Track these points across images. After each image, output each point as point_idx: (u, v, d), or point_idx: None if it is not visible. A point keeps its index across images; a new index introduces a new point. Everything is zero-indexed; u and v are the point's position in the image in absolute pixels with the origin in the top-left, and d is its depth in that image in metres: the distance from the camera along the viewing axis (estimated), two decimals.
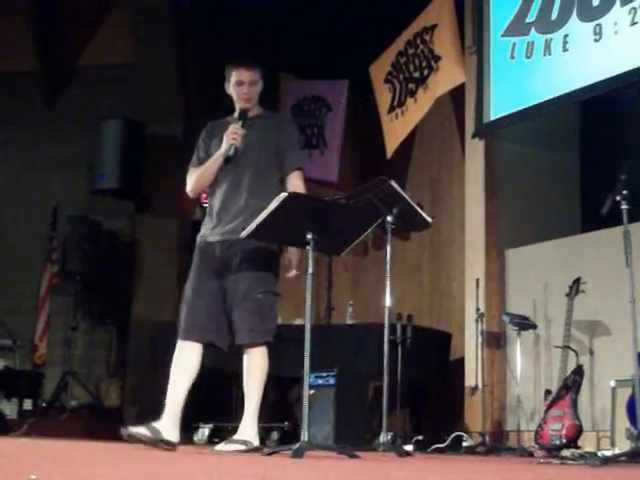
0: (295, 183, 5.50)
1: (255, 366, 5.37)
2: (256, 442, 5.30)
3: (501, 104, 8.04)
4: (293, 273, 5.46)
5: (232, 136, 5.39)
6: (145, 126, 10.38)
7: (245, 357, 5.38)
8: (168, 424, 5.30)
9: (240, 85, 5.54)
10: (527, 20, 7.78)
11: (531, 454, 6.39)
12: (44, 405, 9.57)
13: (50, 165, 11.16)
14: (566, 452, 6.02)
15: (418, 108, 8.84)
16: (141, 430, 5.20)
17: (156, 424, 5.28)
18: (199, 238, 5.59)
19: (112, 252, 10.54)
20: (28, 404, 9.68)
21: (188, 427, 8.14)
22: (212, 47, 10.22)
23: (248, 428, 5.31)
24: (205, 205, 5.90)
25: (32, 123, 11.36)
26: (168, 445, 5.14)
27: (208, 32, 10.48)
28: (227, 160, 5.45)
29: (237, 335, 5.33)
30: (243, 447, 5.16)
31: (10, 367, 9.89)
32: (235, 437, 5.29)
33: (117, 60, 11.02)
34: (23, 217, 11.17)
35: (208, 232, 5.53)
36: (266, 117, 5.66)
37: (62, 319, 10.39)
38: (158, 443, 5.13)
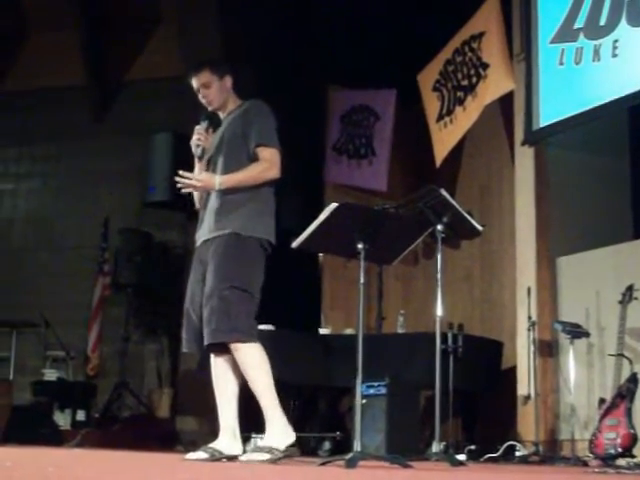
0: (255, 162, 5.33)
1: (243, 367, 5.14)
2: (285, 442, 5.04)
3: (550, 111, 7.99)
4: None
5: (194, 139, 5.45)
6: None
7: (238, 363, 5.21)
8: (225, 439, 5.28)
9: (198, 93, 5.55)
10: (575, 26, 7.72)
11: (585, 463, 6.33)
12: (97, 416, 9.65)
13: (101, 178, 11.29)
14: (621, 461, 5.96)
15: (467, 116, 8.81)
16: (200, 455, 5.19)
17: (213, 444, 5.27)
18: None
19: (163, 263, 10.62)
20: (81, 415, 9.77)
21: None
22: (260, 58, 10.26)
23: (271, 431, 5.09)
24: None
25: (82, 137, 11.49)
26: (232, 459, 5.12)
27: (256, 44, 10.53)
28: (200, 160, 5.51)
29: (205, 336, 5.16)
30: (268, 456, 4.92)
31: (63, 378, 10.00)
32: (260, 444, 5.16)
33: (166, 73, 11.11)
34: (75, 230, 11.29)
35: (197, 237, 5.49)
36: (237, 108, 5.56)
37: (114, 330, 10.47)
38: (222, 460, 5.12)
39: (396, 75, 9.88)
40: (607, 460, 6.09)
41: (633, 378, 6.37)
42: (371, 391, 7.00)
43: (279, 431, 5.09)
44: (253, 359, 5.13)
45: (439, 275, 6.21)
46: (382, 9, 10.01)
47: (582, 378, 7.35)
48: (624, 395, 6.30)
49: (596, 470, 5.30)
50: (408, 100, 10.03)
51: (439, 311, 6.16)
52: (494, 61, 8.43)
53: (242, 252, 5.19)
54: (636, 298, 6.62)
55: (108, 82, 11.66)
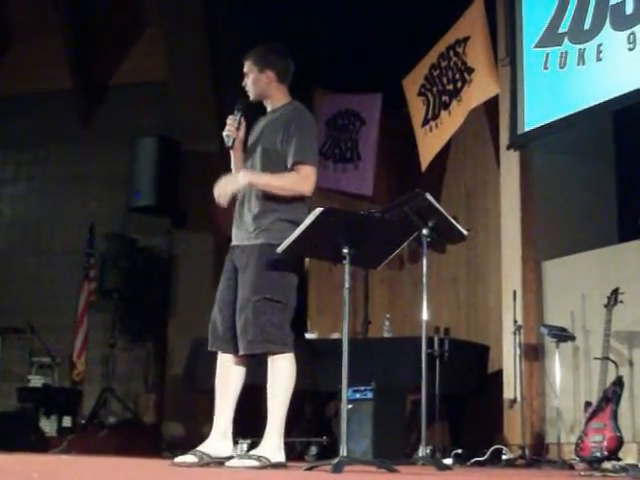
0: (294, 175, 5.23)
1: (277, 382, 5.15)
2: (276, 457, 5.01)
3: (535, 115, 8.01)
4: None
5: (226, 129, 5.37)
6: (180, 143, 10.44)
7: (269, 370, 5.19)
8: (216, 440, 5.27)
9: (245, 78, 5.53)
10: (560, 30, 7.75)
11: (572, 467, 6.35)
12: (83, 422, 9.61)
13: (86, 183, 11.26)
14: (607, 464, 5.97)
15: (452, 120, 8.82)
16: (188, 459, 5.18)
17: (202, 447, 5.25)
18: None
19: (149, 269, 10.60)
20: (67, 421, 9.72)
21: None
22: None
23: (266, 443, 5.07)
24: None
25: (67, 142, 11.45)
26: (220, 462, 5.13)
27: (242, 48, 10.50)
28: (231, 149, 5.44)
29: (239, 346, 5.18)
30: (256, 463, 4.90)
31: (49, 384, 9.95)
32: (252, 452, 5.13)
33: (151, 78, 11.09)
34: (60, 235, 11.25)
35: (232, 238, 5.45)
36: (282, 108, 5.48)
37: (100, 336, 10.44)
38: (210, 465, 5.11)
39: (381, 79, 9.88)
40: (593, 463, 6.10)
41: (619, 381, 6.39)
42: (357, 396, 7.00)
43: (273, 447, 5.06)
44: (282, 375, 5.15)
45: (425, 279, 6.21)
46: (367, 13, 10.01)
47: (568, 381, 7.37)
48: (610, 398, 6.32)
49: (582, 473, 5.31)
50: (394, 104, 10.03)
51: (425, 315, 6.16)
52: (479, 65, 8.45)
53: (275, 262, 5.13)
54: (621, 301, 6.63)
55: (93, 87, 11.62)
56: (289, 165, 5.24)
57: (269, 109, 5.52)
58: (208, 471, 4.86)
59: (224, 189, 5.29)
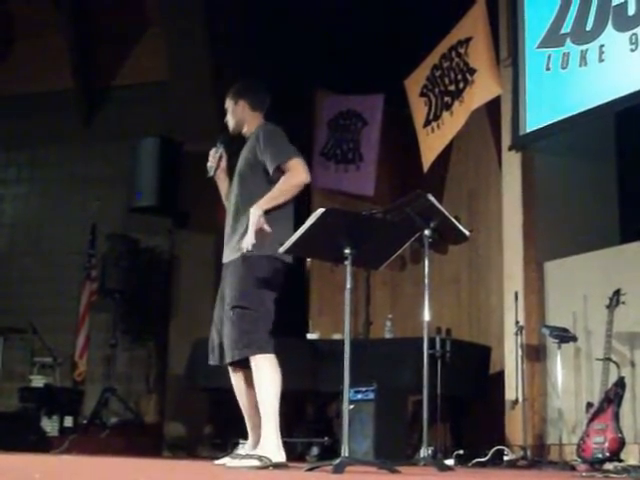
0: (286, 176, 5.40)
1: (256, 379, 5.32)
2: (277, 457, 5.10)
3: (537, 116, 8.01)
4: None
5: (209, 159, 5.79)
6: (181, 143, 10.44)
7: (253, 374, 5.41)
8: (250, 446, 5.50)
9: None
10: (562, 31, 7.74)
11: (573, 468, 6.34)
12: (84, 422, 9.62)
13: (87, 184, 11.26)
14: (609, 465, 5.97)
15: (454, 121, 8.82)
16: (226, 460, 5.43)
17: (239, 450, 5.63)
18: None
19: (150, 269, 10.61)
20: (69, 421, 9.73)
21: (227, 443, 8.16)
22: (247, 63, 10.26)
23: (265, 443, 5.17)
24: None
25: (69, 142, 11.47)
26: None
27: (243, 48, 10.53)
28: (212, 179, 5.85)
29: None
30: (256, 463, 5.00)
31: (51, 384, 9.95)
32: (252, 452, 5.23)
33: (152, 78, 11.11)
34: (62, 236, 11.26)
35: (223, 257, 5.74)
36: (253, 133, 5.71)
37: (101, 336, 10.46)
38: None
39: (383, 80, 9.88)
40: (595, 464, 6.09)
41: (620, 382, 6.38)
42: (359, 396, 7.00)
43: (272, 446, 5.15)
44: (264, 372, 5.30)
45: (426, 280, 6.20)
46: (369, 14, 10.02)
47: (570, 382, 7.36)
48: (611, 399, 6.31)
49: (584, 474, 5.30)
50: (396, 105, 10.03)
51: (427, 316, 6.16)
52: (481, 66, 8.44)
53: (248, 272, 5.36)
54: (623, 302, 6.63)
55: (95, 87, 11.64)
56: (271, 171, 5.44)
57: (247, 137, 5.81)
58: (211, 470, 4.86)
59: (251, 238, 5.34)
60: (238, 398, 5.59)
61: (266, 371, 5.29)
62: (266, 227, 5.24)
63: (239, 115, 5.77)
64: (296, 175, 5.38)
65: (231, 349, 5.34)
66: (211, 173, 5.78)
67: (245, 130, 5.78)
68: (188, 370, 8.94)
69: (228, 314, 5.36)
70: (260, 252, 5.27)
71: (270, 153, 5.45)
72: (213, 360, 5.60)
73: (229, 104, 5.82)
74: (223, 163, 5.80)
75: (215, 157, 5.77)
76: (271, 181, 5.44)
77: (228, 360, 5.39)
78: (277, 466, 5.02)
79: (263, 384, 5.28)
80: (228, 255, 5.56)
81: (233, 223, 5.56)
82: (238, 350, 5.31)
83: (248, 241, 5.23)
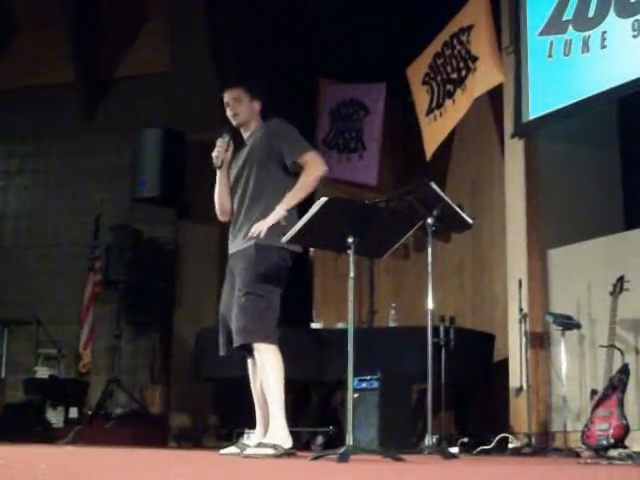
0: (307, 167, 5.58)
1: (261, 367, 5.42)
2: (287, 444, 5.26)
3: (540, 103, 8.00)
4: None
5: (215, 151, 5.76)
6: (184, 134, 10.44)
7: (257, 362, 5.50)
8: (259, 435, 5.55)
9: (227, 106, 5.85)
10: (564, 18, 7.72)
11: (578, 455, 6.33)
12: (89, 413, 9.64)
13: (91, 175, 11.27)
14: (613, 452, 5.97)
15: (456, 109, 8.81)
16: (232, 450, 5.53)
17: (247, 440, 5.69)
18: None
19: (154, 260, 10.62)
20: (74, 412, 9.76)
21: (232, 433, 8.17)
22: (249, 54, 10.25)
23: (276, 430, 5.29)
24: None
25: (72, 135, 11.47)
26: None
27: (245, 39, 10.51)
28: (219, 169, 5.81)
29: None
30: (272, 451, 5.12)
31: (56, 376, 9.97)
32: (264, 440, 5.29)
33: (155, 69, 11.10)
34: (65, 227, 11.27)
35: (229, 248, 5.78)
36: (262, 128, 5.80)
37: (106, 327, 10.47)
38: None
39: (386, 68, 9.87)
40: (599, 451, 6.09)
41: (624, 369, 6.38)
42: (363, 385, 7.01)
43: (283, 433, 5.29)
44: (267, 360, 5.40)
45: (430, 268, 6.20)
46: (371, 2, 10.01)
47: (574, 369, 7.36)
48: (616, 386, 6.31)
49: (588, 461, 5.30)
50: (398, 94, 10.02)
51: (430, 304, 6.16)
52: (483, 54, 8.42)
53: (260, 261, 5.46)
54: (627, 289, 6.62)
55: (97, 79, 11.64)
56: (289, 164, 5.60)
57: (246, 136, 5.89)
58: (218, 459, 4.88)
59: (264, 230, 5.48)
60: (254, 386, 5.65)
61: (270, 361, 5.38)
62: (283, 222, 5.38)
63: (252, 112, 5.84)
64: (316, 167, 5.56)
65: (238, 334, 5.41)
66: (218, 163, 5.77)
67: (247, 129, 5.86)
68: (193, 360, 8.95)
69: (239, 300, 5.43)
70: (273, 243, 5.39)
71: (287, 147, 5.62)
72: (225, 351, 5.66)
73: (243, 96, 5.81)
74: (229, 154, 5.81)
75: (223, 147, 5.77)
76: (287, 173, 5.62)
77: (235, 344, 5.45)
78: (288, 454, 5.16)
79: (268, 374, 5.37)
80: (238, 244, 5.62)
81: (245, 212, 5.63)
82: (244, 336, 5.40)
83: (262, 229, 5.37)
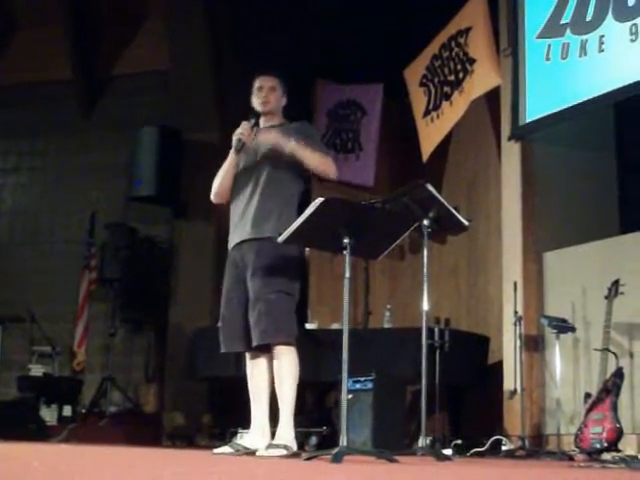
0: (326, 156, 5.67)
1: (284, 370, 5.41)
2: (295, 446, 5.33)
3: (537, 106, 8.00)
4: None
5: (239, 131, 5.64)
6: (181, 133, 10.44)
7: (274, 361, 5.47)
8: (254, 435, 5.55)
9: (260, 90, 5.80)
10: (562, 21, 7.73)
11: (571, 458, 6.34)
12: (83, 411, 9.63)
13: (87, 173, 11.26)
14: (607, 455, 5.98)
15: (453, 111, 8.81)
16: (225, 450, 5.50)
17: (240, 440, 5.66)
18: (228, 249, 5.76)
19: (149, 258, 10.61)
20: (67, 410, 9.76)
21: (226, 433, 8.17)
22: (248, 53, 10.25)
23: (286, 432, 5.35)
24: None
25: (69, 132, 11.46)
26: (253, 453, 5.37)
27: (244, 38, 10.51)
28: (236, 152, 5.70)
29: (252, 338, 5.43)
30: (284, 452, 5.18)
31: (50, 374, 9.97)
32: (274, 442, 5.31)
33: (153, 68, 11.10)
34: (61, 225, 11.26)
35: (231, 239, 5.70)
36: (285, 124, 5.81)
37: (100, 325, 10.47)
38: (249, 454, 5.36)
39: (383, 69, 9.88)
40: (593, 454, 6.11)
41: (619, 372, 6.39)
42: (357, 386, 7.01)
43: (292, 435, 5.38)
44: (289, 364, 5.43)
45: (425, 270, 6.20)
46: (368, 3, 10.00)
47: (568, 373, 7.37)
48: (610, 389, 6.32)
49: (582, 464, 5.31)
50: (395, 95, 10.02)
51: (425, 306, 6.16)
52: (481, 56, 8.43)
53: (283, 256, 5.43)
54: (622, 293, 6.63)
55: (95, 77, 11.63)
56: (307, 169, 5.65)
57: (266, 125, 5.82)
58: (210, 459, 4.87)
59: (274, 138, 5.58)
60: (254, 384, 5.60)
61: (290, 362, 5.41)
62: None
63: (279, 105, 5.85)
64: (333, 168, 5.63)
65: (264, 333, 5.36)
66: (238, 146, 5.66)
67: (270, 119, 5.81)
68: (188, 359, 8.95)
69: (267, 297, 5.37)
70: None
71: (317, 144, 5.69)
72: (230, 348, 5.60)
73: (279, 87, 5.83)
74: (251, 138, 5.69)
75: (247, 131, 5.66)
76: (301, 174, 5.68)
77: (256, 343, 5.39)
78: (296, 454, 5.24)
79: (285, 374, 5.40)
80: (249, 232, 5.54)
81: (258, 205, 5.55)
82: (273, 333, 5.37)
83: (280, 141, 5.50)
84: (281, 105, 5.84)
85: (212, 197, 5.85)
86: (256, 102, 5.80)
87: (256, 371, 5.60)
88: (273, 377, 5.53)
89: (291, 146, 5.51)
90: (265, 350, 5.50)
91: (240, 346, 5.57)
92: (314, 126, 5.89)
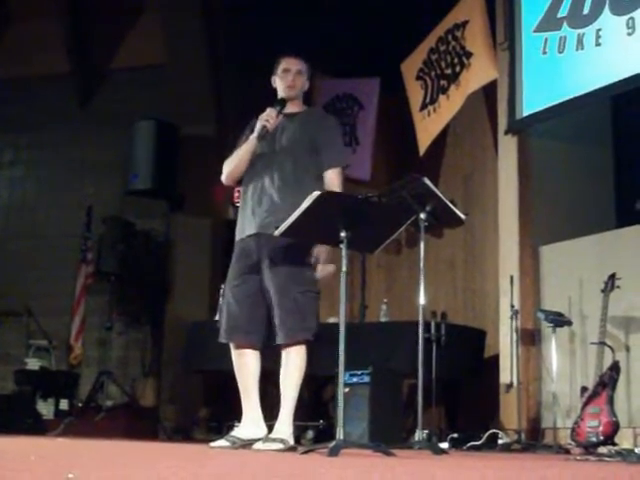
0: (329, 182, 5.48)
1: (293, 366, 5.36)
2: (292, 441, 5.31)
3: (534, 100, 8.00)
4: (327, 270, 5.45)
5: (265, 117, 5.46)
6: (178, 127, 10.43)
7: (283, 356, 5.39)
8: (247, 426, 5.49)
9: (286, 72, 5.63)
10: (559, 15, 7.73)
11: (567, 451, 6.36)
12: (80, 405, 9.63)
13: (84, 166, 11.25)
14: (603, 449, 5.99)
15: (450, 105, 8.81)
16: (222, 443, 5.43)
17: (236, 432, 5.51)
18: (236, 238, 5.62)
19: (146, 252, 10.60)
20: (64, 404, 9.76)
21: (222, 426, 8.18)
22: (244, 48, 10.24)
23: (285, 427, 5.32)
24: (238, 205, 5.93)
25: (65, 125, 11.44)
26: (251, 444, 5.32)
27: (240, 32, 10.50)
28: (261, 138, 5.51)
29: (277, 335, 5.36)
30: (281, 446, 5.15)
31: (46, 367, 9.98)
32: (272, 435, 5.29)
33: (150, 61, 11.08)
34: (58, 218, 11.24)
35: (243, 228, 5.56)
36: (307, 113, 5.69)
37: (97, 319, 10.45)
38: (241, 447, 5.33)
39: (380, 63, 9.87)
40: (589, 448, 6.12)
41: (615, 366, 6.40)
42: (354, 380, 7.01)
43: (291, 430, 5.35)
44: (303, 362, 5.40)
45: (422, 264, 6.21)
46: None
47: (564, 366, 7.38)
48: (606, 383, 6.33)
49: (578, 458, 5.31)
50: (392, 89, 10.02)
51: (422, 300, 6.16)
52: (478, 50, 8.43)
53: (304, 252, 5.39)
54: (618, 287, 6.64)
55: (91, 70, 11.61)
56: (326, 166, 5.51)
57: (287, 111, 5.62)
58: (207, 452, 4.88)
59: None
60: (244, 377, 5.52)
61: (302, 359, 5.37)
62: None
63: (302, 91, 5.70)
64: (339, 185, 5.47)
65: (291, 331, 5.31)
66: (262, 133, 5.47)
67: (293, 104, 5.65)
68: (185, 353, 8.95)
69: (293, 294, 5.31)
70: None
71: (334, 152, 5.56)
72: (233, 339, 5.51)
73: (306, 72, 5.68)
74: (273, 126, 5.51)
75: (273, 118, 5.46)
76: (319, 167, 5.51)
77: (285, 340, 5.33)
78: (293, 449, 5.19)
79: (296, 371, 5.36)
80: (262, 227, 5.41)
81: (279, 195, 5.42)
82: (300, 332, 5.33)
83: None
84: (303, 89, 5.70)
85: (223, 179, 5.70)
86: (281, 86, 5.64)
87: (242, 361, 5.51)
88: (259, 367, 5.51)
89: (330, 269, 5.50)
90: (259, 344, 5.49)
91: (240, 338, 5.48)
92: (339, 128, 5.80)
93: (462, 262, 9.46)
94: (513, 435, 7.29)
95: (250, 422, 5.48)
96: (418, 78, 9.43)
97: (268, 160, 5.52)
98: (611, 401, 6.26)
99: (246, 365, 5.51)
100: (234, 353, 5.54)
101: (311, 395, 9.15)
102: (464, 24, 8.68)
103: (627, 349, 6.98)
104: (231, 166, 5.64)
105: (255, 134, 5.51)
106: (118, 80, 11.37)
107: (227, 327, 5.52)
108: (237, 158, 5.61)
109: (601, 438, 6.13)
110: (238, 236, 5.60)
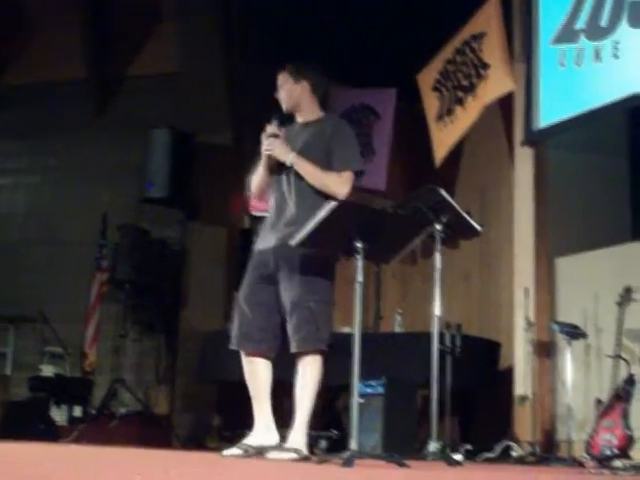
0: (333, 177, 5.46)
1: (308, 376, 5.35)
2: (306, 451, 5.29)
3: (550, 112, 8.00)
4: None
5: (267, 143, 5.48)
6: (194, 135, 10.44)
7: (299, 366, 5.38)
8: (259, 433, 5.46)
9: (278, 88, 5.67)
10: (576, 27, 7.73)
11: (582, 464, 6.33)
12: (94, 412, 9.63)
13: (99, 174, 11.26)
14: (617, 463, 5.96)
15: (467, 116, 8.81)
16: (234, 451, 5.40)
17: (248, 440, 5.47)
18: (256, 247, 5.62)
19: (161, 260, 10.60)
20: (78, 411, 9.76)
21: (235, 435, 8.17)
22: (260, 56, 10.26)
23: (299, 437, 5.31)
24: (254, 214, 5.97)
25: (81, 132, 11.47)
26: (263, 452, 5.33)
27: (256, 41, 10.52)
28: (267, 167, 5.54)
29: (290, 344, 5.35)
30: (295, 455, 5.14)
31: (61, 374, 9.98)
32: (286, 445, 5.29)
33: (166, 69, 11.10)
34: (73, 226, 11.26)
35: (261, 240, 5.58)
36: (322, 120, 5.64)
37: (112, 327, 10.46)
38: (259, 455, 5.31)
39: (396, 74, 9.87)
40: (603, 461, 6.09)
41: (630, 379, 6.38)
42: (368, 390, 7.00)
43: (305, 440, 5.33)
44: (318, 372, 5.38)
45: (437, 275, 6.20)
46: (382, 7, 10.00)
47: (579, 379, 7.36)
48: (621, 396, 6.31)
49: (592, 471, 5.31)
50: (408, 100, 10.02)
51: (437, 311, 6.16)
52: (494, 61, 8.43)
53: (322, 263, 5.38)
54: (634, 299, 6.62)
55: (108, 77, 11.63)
56: (335, 169, 5.46)
57: (300, 120, 5.66)
58: (219, 461, 4.88)
59: (275, 148, 5.45)
60: (255, 383, 5.52)
61: (318, 369, 5.35)
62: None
63: (297, 96, 5.61)
64: (341, 187, 5.41)
65: (305, 339, 5.30)
66: (265, 164, 5.52)
67: (301, 113, 5.65)
68: (199, 362, 8.94)
69: (307, 303, 5.30)
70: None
71: (344, 154, 5.49)
72: (243, 347, 5.49)
73: (286, 81, 5.61)
74: (281, 137, 5.51)
75: (276, 132, 5.47)
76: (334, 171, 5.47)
77: (298, 349, 5.31)
78: (307, 458, 5.17)
79: (311, 381, 5.34)
80: (282, 239, 5.37)
81: (298, 204, 5.42)
82: (313, 342, 5.31)
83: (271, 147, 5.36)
84: (304, 99, 5.62)
85: (253, 195, 5.78)
86: None
87: (252, 368, 5.50)
88: (271, 375, 5.51)
89: (290, 160, 5.41)
90: (272, 352, 5.50)
91: (250, 346, 5.48)
92: (353, 134, 5.68)
93: (477, 273, 9.45)
94: (527, 447, 7.27)
95: (261, 429, 5.47)
96: (434, 89, 9.43)
97: (286, 171, 5.51)
98: (626, 414, 6.24)
99: (256, 372, 5.51)
100: (244, 360, 5.54)
101: (324, 405, 9.13)
102: (481, 36, 8.68)
103: None
104: (254, 184, 5.68)
105: (262, 161, 5.55)
106: (135, 88, 11.39)
107: (238, 334, 5.52)
108: (257, 176, 5.64)
109: (615, 451, 6.11)
110: (258, 246, 5.59)
